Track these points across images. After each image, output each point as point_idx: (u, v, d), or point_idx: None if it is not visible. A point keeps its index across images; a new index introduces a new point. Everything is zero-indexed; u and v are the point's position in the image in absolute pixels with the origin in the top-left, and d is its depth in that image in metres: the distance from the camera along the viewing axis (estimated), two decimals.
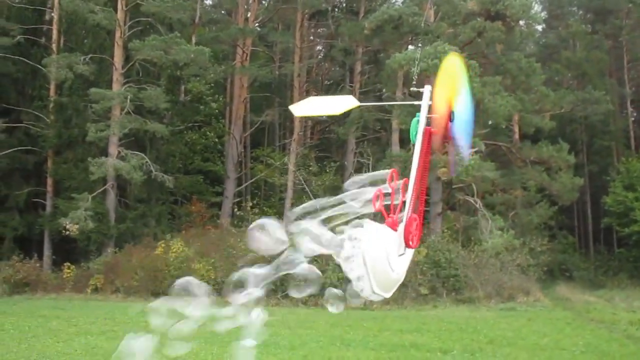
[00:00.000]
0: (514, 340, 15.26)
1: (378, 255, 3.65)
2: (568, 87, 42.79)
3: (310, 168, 36.92)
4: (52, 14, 36.13)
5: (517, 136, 36.17)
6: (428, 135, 4.05)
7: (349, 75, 44.03)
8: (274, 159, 38.24)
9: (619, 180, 36.25)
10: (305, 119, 40.68)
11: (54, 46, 34.57)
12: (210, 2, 49.36)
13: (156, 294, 25.77)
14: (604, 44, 46.17)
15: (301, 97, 39.18)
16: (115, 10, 32.48)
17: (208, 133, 38.92)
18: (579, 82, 44.28)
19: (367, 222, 3.71)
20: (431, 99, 4.13)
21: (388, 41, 33.96)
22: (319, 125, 45.99)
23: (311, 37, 47.87)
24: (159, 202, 33.70)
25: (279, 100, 43.64)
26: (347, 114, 41.16)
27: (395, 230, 3.79)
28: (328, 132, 44.90)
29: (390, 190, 3.86)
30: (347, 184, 4.03)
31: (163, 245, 28.89)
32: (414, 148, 4.08)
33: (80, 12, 31.46)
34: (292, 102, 33.09)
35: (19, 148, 33.09)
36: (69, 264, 29.88)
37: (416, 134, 4.05)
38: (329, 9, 44.07)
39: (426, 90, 4.23)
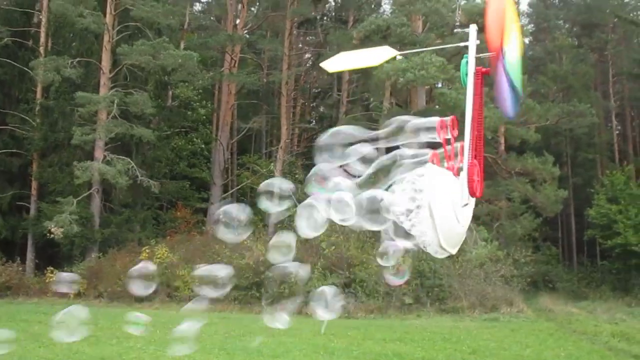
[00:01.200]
0: (497, 351, 15.33)
1: (445, 207, 3.51)
2: (554, 99, 43.09)
3: (297, 176, 36.90)
4: (41, 17, 36.02)
5: (502, 147, 36.38)
6: (480, 75, 3.91)
7: (336, 84, 44.18)
8: (261, 166, 38.24)
9: (603, 192, 36.50)
10: (292, 128, 40.74)
11: (41, 49, 34.45)
12: (200, 8, 49.47)
13: (140, 300, 25.71)
14: (589, 57, 46.60)
15: (288, 105, 39.32)
16: (104, 14, 32.43)
17: (195, 139, 38.89)
18: (564, 94, 44.64)
19: (429, 168, 3.58)
20: (478, 38, 3.97)
21: None
22: (306, 132, 46.07)
23: (300, 45, 48.05)
24: (144, 207, 33.60)
25: (266, 108, 43.71)
26: (335, 122, 41.30)
27: (457, 176, 3.68)
28: (315, 140, 44.95)
29: (448, 136, 3.75)
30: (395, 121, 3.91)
31: (147, 250, 28.77)
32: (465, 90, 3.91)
33: (68, 16, 31.36)
34: (279, 110, 33.33)
35: (4, 150, 32.93)
36: (52, 268, 29.67)
37: (467, 75, 3.90)
38: (318, 17, 44.30)
39: (472, 29, 4.04)
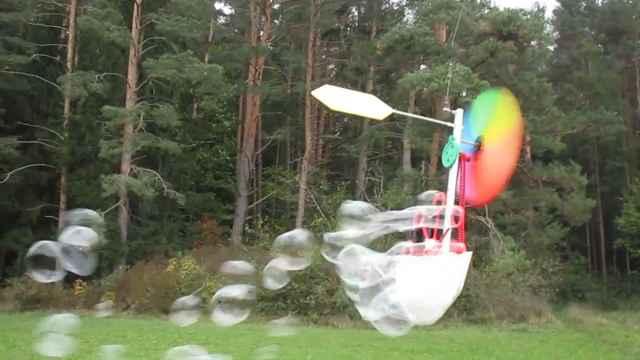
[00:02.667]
0: None
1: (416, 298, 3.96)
2: (580, 107, 42.71)
3: (321, 186, 36.96)
4: (68, 33, 36.58)
5: (528, 156, 36.09)
6: (463, 160, 4.18)
7: None
8: (286, 177, 38.33)
9: (632, 201, 36.05)
10: (316, 139, 40.80)
11: (68, 64, 34.95)
12: (224, 21, 49.85)
13: (167, 312, 25.82)
14: (616, 64, 46.16)
15: (312, 116, 39.40)
16: (130, 28, 32.79)
17: (220, 151, 39.10)
18: (591, 102, 44.24)
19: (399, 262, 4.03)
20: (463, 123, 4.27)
21: (400, 61, 34.10)
22: (330, 143, 46.12)
23: (323, 56, 48.19)
24: (170, 219, 33.80)
25: (290, 119, 43.86)
26: (359, 132, 41.30)
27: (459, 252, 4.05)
28: (339, 151, 45.02)
29: (434, 213, 4.12)
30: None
31: (174, 262, 28.93)
32: (448, 171, 4.20)
33: (95, 31, 31.77)
34: (303, 121, 33.32)
35: (33, 165, 33.34)
36: (80, 280, 29.95)
37: (451, 157, 4.16)
38: (341, 28, 44.42)
39: (458, 114, 4.32)
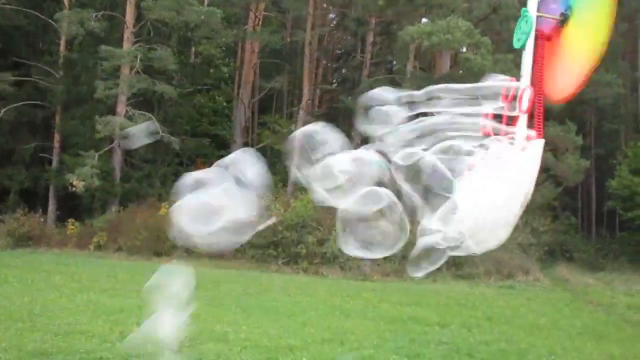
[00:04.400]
0: (512, 319, 15.38)
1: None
2: None
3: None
4: None
5: None
6: (541, 38, 3.38)
7: (360, 46, 43.74)
8: (281, 125, 38.18)
9: (626, 164, 36.08)
10: (314, 89, 40.52)
11: (66, 1, 34.37)
12: None
13: (159, 254, 26.04)
14: (619, 26, 45.66)
15: (311, 66, 39.05)
16: None
17: (217, 97, 38.82)
18: None
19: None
20: None
21: (401, 13, 33.68)
22: (327, 94, 45.84)
23: (324, 5, 47.47)
24: (164, 163, 33.76)
25: (288, 68, 43.46)
26: (357, 84, 41.03)
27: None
28: (336, 102, 44.76)
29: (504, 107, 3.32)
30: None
31: (167, 206, 28.99)
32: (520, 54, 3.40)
33: None
34: (301, 70, 33.04)
35: (28, 102, 33.07)
36: (72, 220, 30.06)
37: (522, 36, 3.34)
38: None
39: None
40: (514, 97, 3.30)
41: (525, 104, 3.32)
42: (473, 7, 30.77)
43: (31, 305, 12.77)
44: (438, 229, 3.46)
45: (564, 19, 3.35)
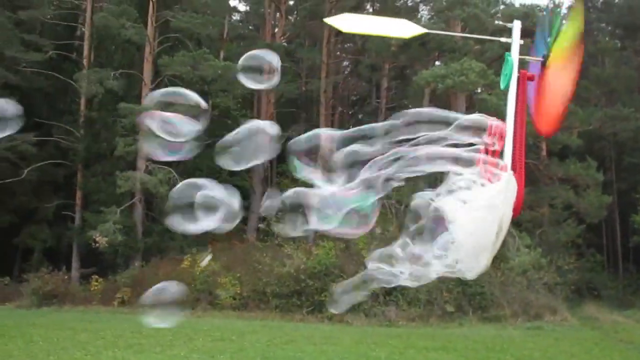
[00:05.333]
0: None
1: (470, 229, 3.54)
2: (596, 104, 42.39)
3: None
4: (84, 30, 36.79)
5: (544, 153, 35.88)
6: (524, 79, 3.66)
7: (375, 91, 44.13)
8: None
9: None
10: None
11: (84, 61, 35.14)
12: (238, 18, 49.88)
13: (182, 308, 25.93)
14: (633, 60, 45.74)
15: (327, 113, 39.37)
16: (146, 26, 32.93)
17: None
18: (607, 99, 43.87)
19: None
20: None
21: (415, 58, 34.03)
22: None
23: (338, 53, 48.08)
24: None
25: (305, 116, 43.85)
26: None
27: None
28: None
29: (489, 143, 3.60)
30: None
31: (189, 258, 29.05)
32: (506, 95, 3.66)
33: (111, 28, 31.95)
34: (318, 118, 33.29)
35: (50, 161, 33.55)
36: (96, 276, 30.16)
37: (508, 77, 3.64)
38: None
39: (516, 25, 3.83)
40: (495, 133, 3.60)
41: (504, 139, 3.62)
42: (485, 48, 31.02)
43: None
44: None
45: (544, 61, 3.73)
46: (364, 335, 19.57)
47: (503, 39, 3.87)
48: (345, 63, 49.52)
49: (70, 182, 35.04)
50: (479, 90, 33.06)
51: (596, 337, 20.89)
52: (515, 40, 3.76)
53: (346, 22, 4.15)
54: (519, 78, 3.66)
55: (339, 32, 43.56)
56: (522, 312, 25.15)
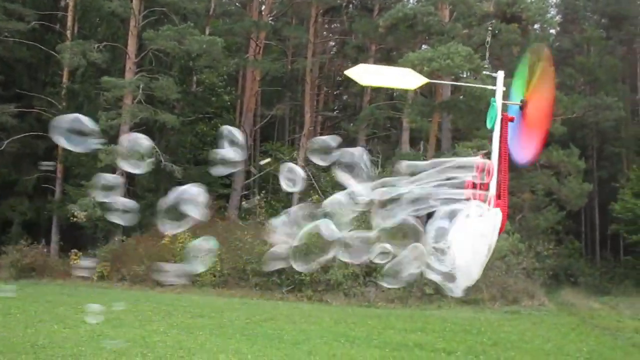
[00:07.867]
0: (518, 344, 15.27)
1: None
2: (580, 92, 42.60)
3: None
4: (68, 1, 36.27)
5: None
6: (506, 122, 4.30)
7: None
8: (283, 153, 38.22)
9: (629, 187, 36.12)
10: (315, 116, 40.68)
11: (68, 33, 34.69)
12: None
13: (161, 284, 25.94)
14: (617, 50, 45.96)
15: (312, 93, 39.22)
16: None
17: (218, 125, 38.90)
18: (591, 87, 44.11)
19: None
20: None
21: (402, 40, 33.89)
22: (329, 121, 46.00)
23: (324, 33, 47.86)
24: (167, 192, 33.64)
25: (290, 95, 43.70)
26: (358, 111, 41.23)
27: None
28: (338, 129, 44.89)
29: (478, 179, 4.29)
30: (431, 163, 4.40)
31: (170, 235, 28.90)
32: (491, 134, 4.31)
33: (95, 0, 31.53)
34: (303, 98, 33.16)
35: (30, 133, 33.18)
36: (76, 250, 29.99)
37: (493, 119, 4.29)
38: (344, 5, 44.05)
39: (500, 76, 4.50)
40: (483, 170, 4.28)
41: (490, 175, 4.29)
42: (473, 33, 30.95)
43: (35, 336, 12.71)
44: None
45: (522, 105, 4.46)
46: (343, 315, 19.65)
47: (490, 87, 4.60)
48: (332, 43, 49.29)
49: (51, 155, 34.68)
50: (465, 75, 33.05)
51: (572, 322, 21.12)
52: (499, 88, 4.44)
53: (364, 76, 4.80)
54: (502, 120, 4.32)
55: (325, 12, 43.43)
56: (500, 296, 25.36)
